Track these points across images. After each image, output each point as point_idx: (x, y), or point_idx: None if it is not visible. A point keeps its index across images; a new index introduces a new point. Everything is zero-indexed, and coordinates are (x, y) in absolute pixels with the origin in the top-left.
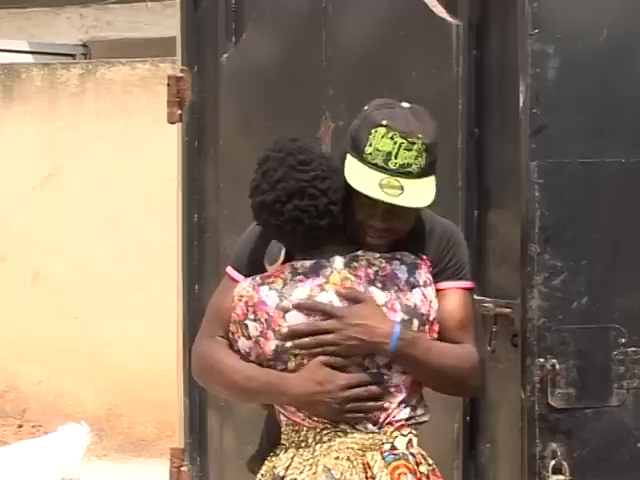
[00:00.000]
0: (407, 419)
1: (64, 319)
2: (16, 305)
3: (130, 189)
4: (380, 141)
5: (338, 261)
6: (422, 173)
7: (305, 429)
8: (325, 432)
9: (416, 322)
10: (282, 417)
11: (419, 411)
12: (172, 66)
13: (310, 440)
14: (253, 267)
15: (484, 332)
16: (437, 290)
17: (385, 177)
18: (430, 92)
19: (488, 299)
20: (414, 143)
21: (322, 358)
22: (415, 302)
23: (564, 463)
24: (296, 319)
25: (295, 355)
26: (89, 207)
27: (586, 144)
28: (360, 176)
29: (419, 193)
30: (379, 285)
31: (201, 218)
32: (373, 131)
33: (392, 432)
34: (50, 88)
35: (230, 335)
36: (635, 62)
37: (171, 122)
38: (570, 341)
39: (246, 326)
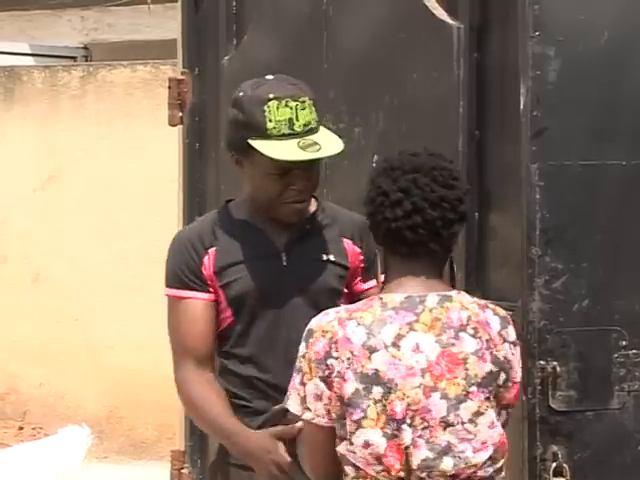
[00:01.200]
0: (487, 478)
1: (65, 321)
2: (17, 307)
3: (131, 191)
4: (277, 112)
5: (431, 299)
6: (318, 126)
7: None
8: None
9: (503, 376)
10: (350, 467)
11: (498, 472)
12: (173, 68)
13: None
14: (182, 277)
15: None
16: (363, 291)
17: (299, 140)
18: (431, 94)
19: (488, 301)
20: (304, 101)
21: (274, 431)
22: (505, 355)
23: (565, 466)
24: (383, 360)
25: (380, 401)
26: (90, 209)
27: (587, 146)
28: (277, 150)
29: (330, 141)
30: (470, 332)
31: None
32: (265, 107)
33: None
34: (51, 90)
35: (298, 378)
36: (636, 64)
37: (172, 124)
38: (571, 343)
39: (326, 366)
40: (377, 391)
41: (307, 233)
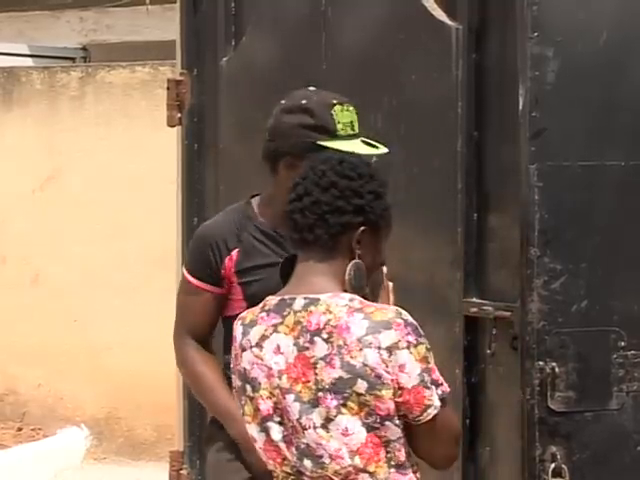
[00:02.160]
0: None
1: (64, 322)
2: (16, 307)
3: (130, 192)
4: (342, 115)
5: (298, 302)
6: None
7: (281, 476)
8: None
9: (363, 384)
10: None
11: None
12: (172, 69)
13: None
14: (201, 271)
15: (484, 335)
16: None
17: (359, 140)
18: (430, 95)
19: (488, 302)
20: (354, 108)
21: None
22: (364, 362)
23: (564, 466)
24: (248, 360)
25: (251, 399)
26: (89, 210)
27: (585, 147)
28: (353, 147)
29: (374, 142)
30: (324, 336)
31: (201, 221)
32: (332, 112)
33: None
34: (50, 91)
35: None
36: (634, 64)
37: (171, 125)
38: (570, 344)
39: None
40: (248, 388)
41: None
